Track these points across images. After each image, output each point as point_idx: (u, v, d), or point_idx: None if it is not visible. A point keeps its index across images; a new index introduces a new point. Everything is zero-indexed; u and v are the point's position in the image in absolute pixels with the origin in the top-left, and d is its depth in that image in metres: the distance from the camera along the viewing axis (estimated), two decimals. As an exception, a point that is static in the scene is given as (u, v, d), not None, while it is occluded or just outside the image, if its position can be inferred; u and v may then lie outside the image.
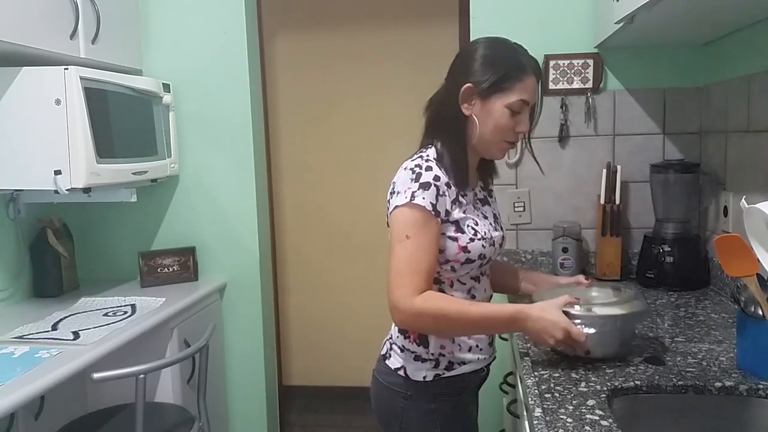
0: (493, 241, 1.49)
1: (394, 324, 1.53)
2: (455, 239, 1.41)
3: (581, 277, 1.64)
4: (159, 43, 2.65)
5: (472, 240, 1.42)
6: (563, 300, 1.39)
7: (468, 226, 1.43)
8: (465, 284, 1.49)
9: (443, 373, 1.48)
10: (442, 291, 1.46)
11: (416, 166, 1.40)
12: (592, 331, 1.38)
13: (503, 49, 1.44)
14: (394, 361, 1.52)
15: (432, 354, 1.48)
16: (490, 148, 1.47)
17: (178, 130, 2.65)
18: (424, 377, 1.48)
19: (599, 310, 1.40)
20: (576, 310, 1.39)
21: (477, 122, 1.42)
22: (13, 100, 2.03)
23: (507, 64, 1.40)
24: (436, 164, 1.40)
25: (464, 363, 1.50)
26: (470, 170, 1.52)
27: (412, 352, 1.49)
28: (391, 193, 1.41)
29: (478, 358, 1.53)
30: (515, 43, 1.46)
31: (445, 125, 1.46)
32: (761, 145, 1.81)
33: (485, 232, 1.46)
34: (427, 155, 1.43)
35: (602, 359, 1.42)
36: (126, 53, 2.49)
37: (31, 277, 2.44)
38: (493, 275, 1.65)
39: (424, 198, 1.35)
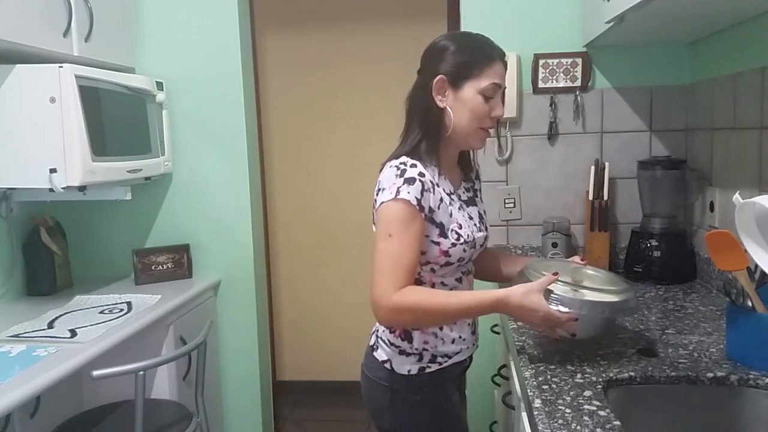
0: (475, 243, 1.51)
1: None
2: (437, 243, 1.44)
3: (577, 258, 1.64)
4: (152, 41, 2.64)
5: (453, 245, 1.45)
6: (545, 281, 1.36)
7: (452, 230, 1.45)
8: (447, 285, 1.52)
9: (428, 367, 1.51)
10: None
11: (401, 163, 1.41)
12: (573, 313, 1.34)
13: (469, 39, 1.48)
14: (381, 354, 1.55)
15: (416, 349, 1.51)
16: (468, 138, 1.48)
17: (172, 128, 2.65)
18: (409, 371, 1.51)
19: (583, 295, 1.38)
20: (559, 290, 1.36)
21: (452, 113, 1.45)
22: (7, 97, 2.03)
23: (475, 52, 1.44)
24: (420, 162, 1.42)
25: (448, 356, 1.53)
26: (451, 166, 1.55)
27: (397, 347, 1.52)
28: (377, 191, 1.42)
29: (461, 349, 1.56)
30: (478, 33, 1.50)
31: (421, 119, 1.47)
32: (747, 142, 1.86)
33: (468, 235, 1.48)
34: (406, 159, 1.42)
35: (587, 341, 1.44)
36: (119, 51, 2.49)
37: (24, 275, 2.44)
38: (485, 263, 1.69)
39: (409, 192, 1.36)
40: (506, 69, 1.49)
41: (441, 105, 1.45)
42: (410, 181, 1.37)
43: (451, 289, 1.52)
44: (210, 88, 2.65)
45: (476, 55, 1.44)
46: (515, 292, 1.35)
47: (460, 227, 1.47)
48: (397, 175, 1.38)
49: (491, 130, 1.50)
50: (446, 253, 1.45)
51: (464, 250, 1.47)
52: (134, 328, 2.02)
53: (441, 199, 1.44)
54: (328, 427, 3.46)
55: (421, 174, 1.39)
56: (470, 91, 1.43)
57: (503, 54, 1.48)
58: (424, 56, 1.51)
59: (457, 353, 1.55)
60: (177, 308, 2.33)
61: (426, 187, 1.38)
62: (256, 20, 2.89)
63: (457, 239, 1.45)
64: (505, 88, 1.50)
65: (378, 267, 1.35)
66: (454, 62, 1.43)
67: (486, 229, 1.60)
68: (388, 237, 1.35)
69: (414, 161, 1.42)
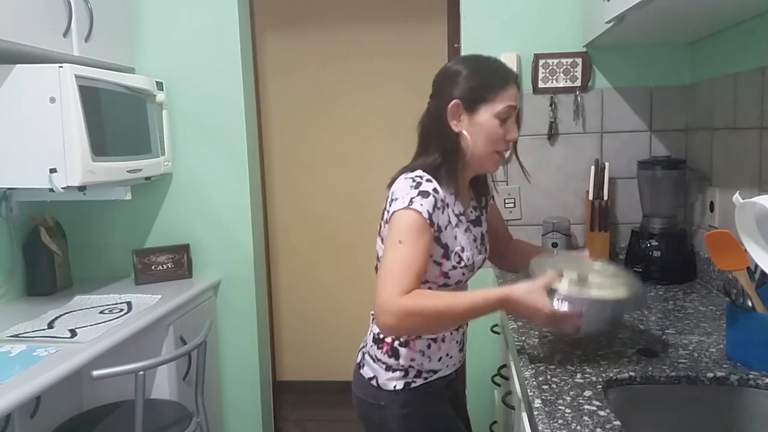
0: (474, 266, 1.53)
1: (371, 332, 1.57)
2: (439, 264, 1.45)
3: (585, 253, 1.63)
4: (152, 41, 2.64)
5: (454, 268, 1.46)
6: (548, 279, 1.34)
7: (455, 253, 1.46)
8: None
9: (413, 382, 1.52)
10: None
11: (417, 176, 1.41)
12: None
13: (483, 63, 1.48)
14: (368, 371, 1.56)
15: (402, 365, 1.52)
16: (483, 162, 1.48)
17: (172, 128, 2.65)
18: (395, 386, 1.52)
19: (587, 291, 1.37)
20: (563, 287, 1.35)
21: (468, 137, 1.44)
22: (7, 97, 2.03)
23: (489, 76, 1.44)
24: (435, 180, 1.42)
25: (434, 372, 1.55)
26: (463, 189, 1.54)
27: (384, 363, 1.53)
28: (390, 202, 1.42)
29: (448, 366, 1.58)
30: (490, 56, 1.50)
31: (438, 144, 1.46)
32: (747, 142, 1.86)
33: (468, 258, 1.49)
34: (422, 174, 1.43)
35: (587, 340, 1.45)
36: (119, 51, 2.49)
37: (24, 275, 2.44)
38: (510, 257, 1.74)
39: (422, 205, 1.35)
40: (519, 90, 1.49)
41: (456, 129, 1.45)
42: (424, 194, 1.37)
43: None
44: (210, 88, 2.65)
45: (490, 79, 1.44)
46: (518, 290, 1.34)
47: (463, 250, 1.48)
48: (411, 187, 1.39)
49: (506, 153, 1.50)
50: (446, 275, 1.46)
51: (463, 274, 1.49)
52: (134, 328, 2.02)
53: (449, 221, 1.45)
54: (328, 427, 3.46)
55: (436, 190, 1.39)
56: (485, 114, 1.43)
57: (516, 76, 1.48)
58: (436, 81, 1.51)
59: (443, 369, 1.57)
60: (177, 308, 2.34)
61: (438, 205, 1.39)
62: (256, 20, 2.90)
63: (458, 262, 1.46)
64: (519, 109, 1.50)
65: (386, 272, 1.31)
66: (468, 86, 1.43)
67: (486, 251, 1.62)
68: (398, 243, 1.33)
69: (429, 177, 1.42)
